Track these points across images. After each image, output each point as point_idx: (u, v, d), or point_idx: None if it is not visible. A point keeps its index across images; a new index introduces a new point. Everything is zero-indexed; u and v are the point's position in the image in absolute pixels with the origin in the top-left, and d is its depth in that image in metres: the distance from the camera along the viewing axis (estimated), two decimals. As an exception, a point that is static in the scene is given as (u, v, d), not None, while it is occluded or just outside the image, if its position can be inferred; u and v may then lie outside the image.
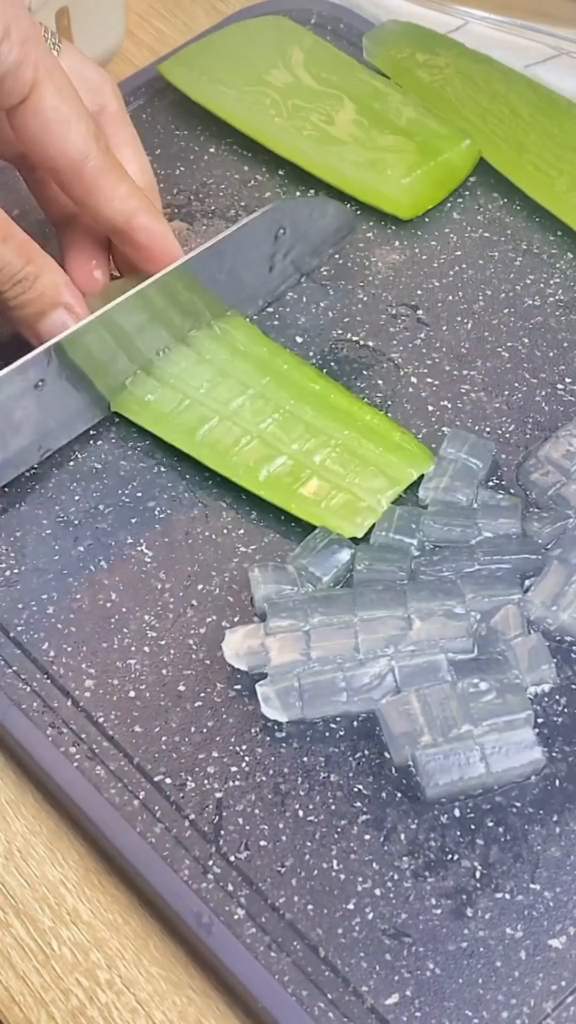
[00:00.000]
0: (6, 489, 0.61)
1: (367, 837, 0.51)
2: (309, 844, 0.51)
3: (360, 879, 0.51)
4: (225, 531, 0.59)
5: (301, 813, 0.52)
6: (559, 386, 0.63)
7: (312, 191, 0.71)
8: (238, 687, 0.55)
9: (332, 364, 0.65)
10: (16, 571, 0.58)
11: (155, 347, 0.62)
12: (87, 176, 0.59)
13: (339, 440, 0.60)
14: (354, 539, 0.58)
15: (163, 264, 0.61)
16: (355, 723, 0.54)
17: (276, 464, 0.60)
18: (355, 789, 0.53)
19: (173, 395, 0.62)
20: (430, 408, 0.63)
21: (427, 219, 0.70)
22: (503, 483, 0.60)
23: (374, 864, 0.51)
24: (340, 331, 0.66)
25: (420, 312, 0.66)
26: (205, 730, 0.54)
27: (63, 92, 0.57)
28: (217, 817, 0.52)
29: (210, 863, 0.51)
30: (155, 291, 0.60)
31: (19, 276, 0.57)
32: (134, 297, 0.59)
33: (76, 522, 0.60)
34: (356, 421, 0.61)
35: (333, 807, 0.52)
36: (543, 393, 0.63)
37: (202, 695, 0.55)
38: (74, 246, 0.63)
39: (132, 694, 0.55)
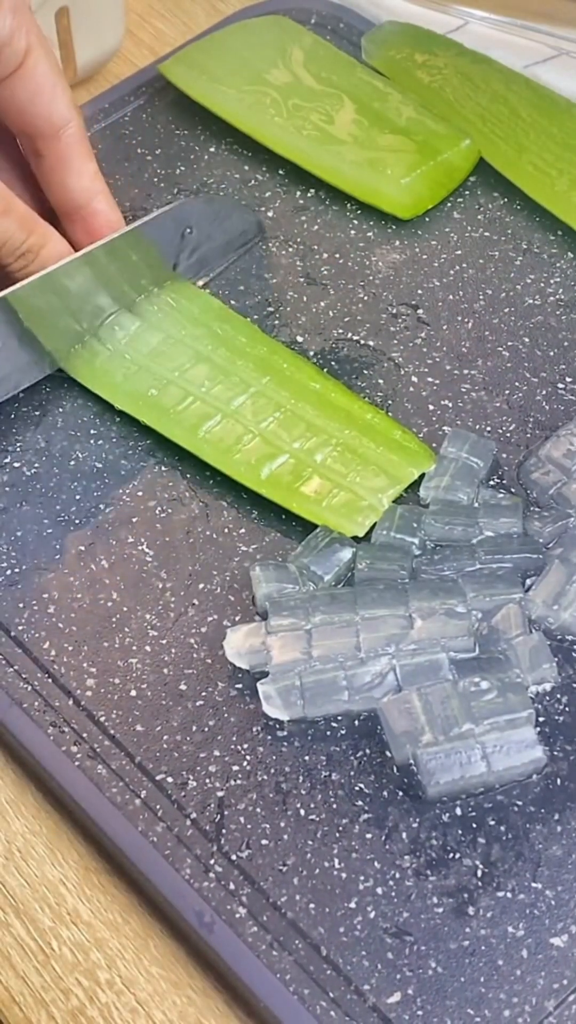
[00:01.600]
0: (6, 489, 0.61)
1: (369, 836, 0.51)
2: (311, 843, 0.51)
3: (362, 878, 0.51)
4: (226, 530, 0.59)
5: (303, 812, 0.52)
6: (560, 385, 0.63)
7: (312, 191, 0.71)
8: (239, 686, 0.55)
9: (332, 363, 0.65)
10: (17, 570, 0.58)
11: (100, 312, 0.63)
12: (63, 145, 0.59)
13: (340, 439, 0.60)
14: (355, 538, 0.58)
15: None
16: (356, 722, 0.54)
17: (277, 463, 0.60)
18: (356, 788, 0.52)
19: (121, 362, 0.63)
20: (431, 407, 0.63)
21: (427, 219, 0.70)
22: (504, 482, 0.60)
23: (376, 863, 0.51)
24: (340, 330, 0.66)
25: (420, 311, 0.66)
26: (206, 729, 0.54)
27: (51, 58, 0.58)
28: (219, 816, 0.52)
29: (212, 862, 0.51)
30: (87, 259, 0.61)
31: (22, 248, 0.57)
32: (75, 261, 0.60)
33: (77, 521, 0.60)
34: (357, 420, 0.61)
35: (335, 806, 0.52)
36: (544, 392, 0.63)
37: (203, 694, 0.55)
38: (85, 236, 0.63)
39: (133, 693, 0.55)
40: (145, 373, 0.63)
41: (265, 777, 0.53)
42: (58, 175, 0.60)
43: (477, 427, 0.62)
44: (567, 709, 0.54)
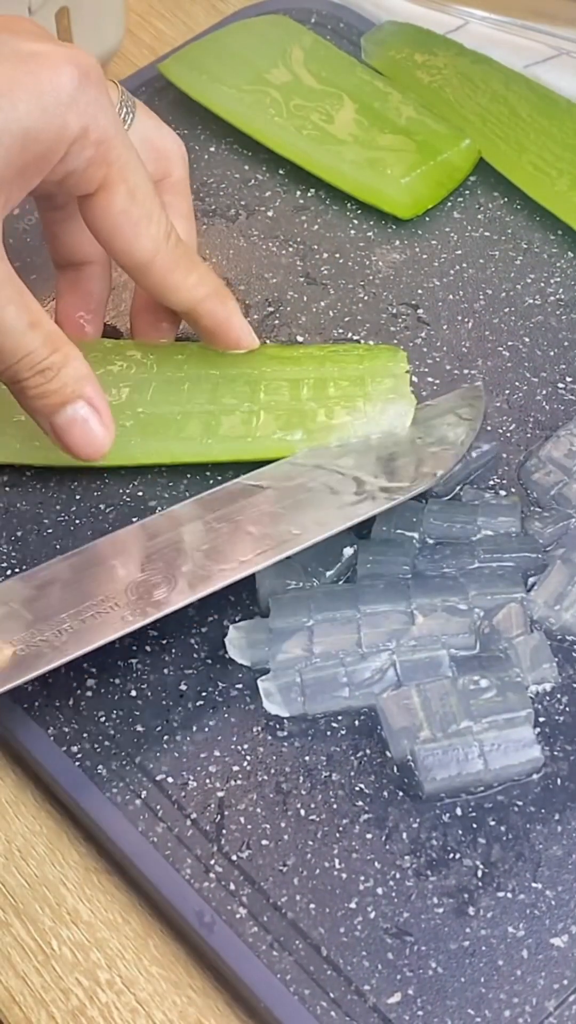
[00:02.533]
0: (7, 489, 0.61)
1: (369, 836, 0.51)
2: (311, 843, 0.51)
3: (362, 878, 0.51)
4: (226, 530, 0.59)
5: (303, 812, 0.52)
6: (560, 385, 0.63)
7: (312, 191, 0.71)
8: (239, 686, 0.55)
9: (333, 363, 0.64)
10: (17, 570, 0.58)
11: None
12: (155, 275, 0.57)
13: (328, 375, 0.60)
14: (357, 534, 0.58)
15: (227, 346, 0.60)
16: (356, 722, 0.54)
17: (296, 425, 0.59)
18: (357, 788, 0.52)
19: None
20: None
21: (427, 218, 0.70)
22: (504, 482, 0.60)
23: (376, 863, 0.51)
24: (341, 330, 0.66)
25: (421, 311, 0.66)
26: (207, 729, 0.54)
27: (136, 194, 0.55)
28: (219, 816, 0.52)
29: (212, 862, 0.51)
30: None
31: (43, 365, 0.54)
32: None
33: (77, 521, 0.60)
34: (320, 360, 0.61)
35: (335, 806, 0.52)
36: (544, 392, 0.63)
37: (203, 694, 0.55)
38: (73, 292, 0.62)
39: (133, 693, 0.55)
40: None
41: (265, 777, 0.53)
42: (157, 296, 0.59)
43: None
44: (567, 709, 0.54)
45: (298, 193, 0.71)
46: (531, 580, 0.57)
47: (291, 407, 0.60)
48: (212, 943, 0.49)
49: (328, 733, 0.54)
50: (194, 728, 0.54)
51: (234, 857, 0.51)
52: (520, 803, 0.52)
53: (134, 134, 0.60)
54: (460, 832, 0.51)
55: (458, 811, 0.52)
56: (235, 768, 0.53)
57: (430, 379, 0.64)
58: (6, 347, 0.53)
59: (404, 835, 0.51)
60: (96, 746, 0.54)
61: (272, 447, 0.59)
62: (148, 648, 0.56)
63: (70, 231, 0.60)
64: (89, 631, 0.53)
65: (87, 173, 0.53)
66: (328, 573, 0.57)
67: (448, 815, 0.52)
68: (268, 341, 0.65)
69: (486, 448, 0.60)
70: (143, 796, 0.52)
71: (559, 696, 0.54)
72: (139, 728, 0.54)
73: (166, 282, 0.57)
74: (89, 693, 0.55)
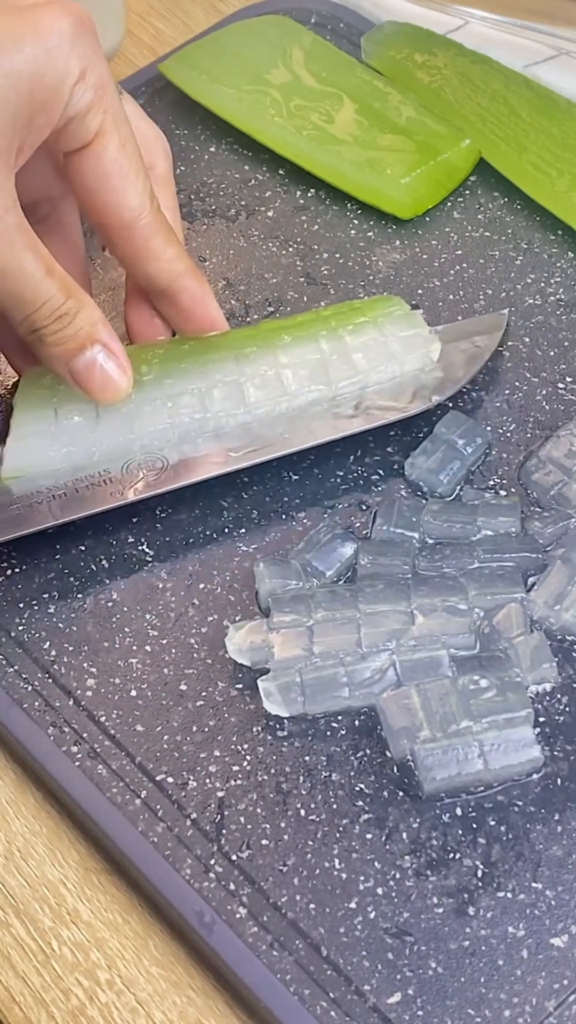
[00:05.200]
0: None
1: (369, 836, 0.51)
2: (311, 843, 0.51)
3: (362, 878, 0.51)
4: (226, 530, 0.59)
5: (303, 812, 0.52)
6: (560, 385, 0.63)
7: (312, 191, 0.71)
8: (240, 686, 0.55)
9: (333, 363, 0.64)
10: (17, 570, 0.58)
11: None
12: (137, 237, 0.58)
13: (340, 328, 0.62)
14: (356, 535, 0.58)
15: (202, 327, 0.61)
16: (356, 722, 0.54)
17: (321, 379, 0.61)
18: (357, 788, 0.52)
19: None
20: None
21: (427, 218, 0.70)
22: (503, 482, 0.60)
23: (376, 863, 0.51)
24: (341, 330, 0.66)
25: (421, 311, 0.66)
26: (207, 729, 0.54)
27: (127, 146, 0.56)
28: (219, 816, 0.52)
29: (212, 862, 0.51)
30: None
31: (60, 311, 0.55)
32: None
33: (77, 521, 0.60)
34: (326, 320, 0.62)
35: (335, 806, 0.52)
36: (544, 392, 0.63)
37: (204, 694, 0.55)
38: None
39: (134, 693, 0.55)
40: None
41: (265, 777, 0.53)
42: (136, 265, 0.59)
43: (470, 420, 0.62)
44: (567, 709, 0.54)
45: (298, 193, 0.71)
46: (531, 580, 0.57)
47: (315, 362, 0.61)
48: (212, 943, 0.49)
49: (328, 733, 0.54)
50: (194, 728, 0.54)
51: (234, 857, 0.51)
52: (520, 803, 0.52)
53: None
54: (460, 832, 0.51)
55: (458, 811, 0.52)
56: (235, 768, 0.53)
57: (430, 379, 0.64)
58: (27, 295, 0.54)
59: (404, 835, 0.51)
60: (96, 746, 0.54)
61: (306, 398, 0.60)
62: (148, 648, 0.56)
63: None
64: (82, 500, 0.58)
65: (86, 120, 0.54)
66: (328, 573, 0.57)
67: (448, 815, 0.52)
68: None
69: (480, 441, 0.60)
70: (143, 796, 0.52)
71: (559, 696, 0.54)
72: (139, 728, 0.54)
73: (148, 247, 0.58)
74: (89, 693, 0.55)
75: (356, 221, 0.70)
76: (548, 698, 0.54)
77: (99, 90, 0.54)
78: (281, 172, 0.72)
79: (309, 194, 0.71)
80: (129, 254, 0.59)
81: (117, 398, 0.57)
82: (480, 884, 0.50)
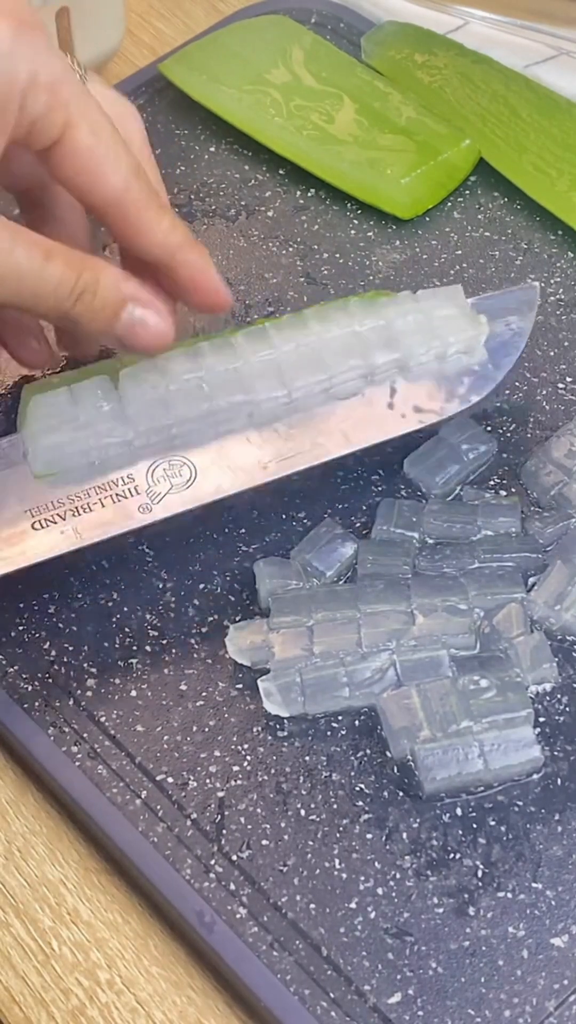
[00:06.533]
0: (6, 488, 0.61)
1: (369, 836, 0.51)
2: (311, 843, 0.51)
3: (362, 878, 0.51)
4: (226, 530, 0.59)
5: (303, 812, 0.52)
6: (560, 385, 0.63)
7: (312, 191, 0.71)
8: (240, 686, 0.55)
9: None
10: (17, 570, 0.58)
11: None
12: (129, 213, 0.56)
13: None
14: (356, 535, 0.58)
15: (206, 300, 0.59)
16: (356, 722, 0.54)
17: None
18: (357, 788, 0.52)
19: None
20: (431, 407, 0.63)
21: (427, 218, 0.70)
22: (503, 483, 0.60)
23: (376, 863, 0.51)
24: (341, 330, 0.66)
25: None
26: (207, 729, 0.54)
27: (99, 131, 0.55)
28: (219, 816, 0.52)
29: (212, 862, 0.51)
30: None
31: (79, 288, 0.54)
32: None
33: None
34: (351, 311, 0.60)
35: (335, 806, 0.52)
36: (544, 392, 0.63)
37: (204, 694, 0.55)
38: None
39: (134, 693, 0.55)
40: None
41: (265, 777, 0.53)
42: (133, 241, 0.57)
43: (478, 427, 0.62)
44: (567, 709, 0.54)
45: (298, 193, 0.71)
46: (531, 580, 0.57)
47: (350, 335, 0.59)
48: (212, 943, 0.49)
49: (328, 733, 0.54)
50: (194, 728, 0.54)
51: (234, 857, 0.51)
52: (520, 803, 0.52)
53: None
54: (460, 832, 0.51)
55: (458, 811, 0.52)
56: (235, 768, 0.53)
57: (430, 379, 0.64)
58: (35, 287, 0.53)
59: (404, 835, 0.51)
60: (96, 746, 0.54)
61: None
62: (148, 648, 0.56)
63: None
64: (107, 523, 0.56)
65: (49, 119, 0.53)
66: (328, 573, 0.57)
67: (448, 815, 0.52)
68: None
69: (483, 449, 0.60)
70: (143, 796, 0.52)
71: (559, 696, 0.54)
72: (139, 728, 0.54)
73: (141, 219, 0.57)
74: (89, 693, 0.55)
75: (356, 221, 0.70)
76: (548, 698, 0.54)
77: (55, 87, 0.53)
78: (281, 172, 0.72)
79: (309, 194, 0.71)
80: (124, 231, 0.57)
81: (166, 345, 0.56)
82: (480, 884, 0.50)
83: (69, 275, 0.54)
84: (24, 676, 0.55)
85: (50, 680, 0.55)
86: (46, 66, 0.53)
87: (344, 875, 0.51)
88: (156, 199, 0.57)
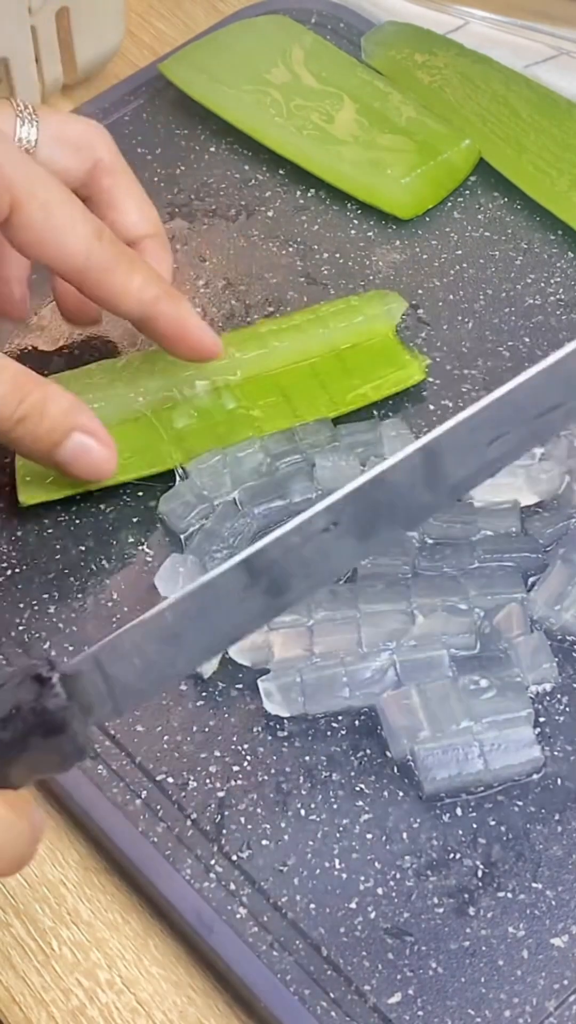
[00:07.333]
0: (7, 489, 0.61)
1: (369, 836, 0.51)
2: (311, 843, 0.51)
3: (362, 878, 0.51)
4: (226, 530, 0.59)
5: (303, 812, 0.52)
6: (560, 385, 0.63)
7: (312, 191, 0.71)
8: (239, 686, 0.55)
9: (333, 363, 0.64)
10: (17, 570, 0.58)
11: None
12: (95, 277, 0.56)
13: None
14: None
15: (192, 349, 0.59)
16: (356, 722, 0.54)
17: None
18: (357, 788, 0.52)
19: None
20: (431, 407, 0.63)
21: (427, 218, 0.70)
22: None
23: (376, 863, 0.51)
24: (341, 330, 0.66)
25: (421, 311, 0.66)
26: (207, 729, 0.54)
27: (48, 204, 0.54)
28: (219, 816, 0.52)
29: (212, 862, 0.51)
30: None
31: (20, 413, 0.53)
32: None
33: (78, 521, 0.60)
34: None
35: (335, 806, 0.52)
36: (544, 392, 0.63)
37: (204, 694, 0.55)
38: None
39: (133, 693, 0.55)
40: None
41: (266, 777, 0.53)
42: (106, 303, 0.57)
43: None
44: (567, 709, 0.54)
45: (298, 193, 0.71)
46: (531, 580, 0.57)
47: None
48: (212, 943, 0.49)
49: (328, 733, 0.54)
50: (194, 728, 0.54)
51: (234, 857, 0.51)
52: (520, 803, 0.52)
53: (45, 137, 0.59)
54: (460, 832, 0.51)
55: (458, 811, 0.52)
56: (235, 768, 0.53)
57: (431, 379, 0.64)
58: None
59: (404, 835, 0.51)
60: (96, 746, 0.54)
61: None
62: (148, 648, 0.56)
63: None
64: None
65: None
66: (328, 573, 0.57)
67: (448, 815, 0.52)
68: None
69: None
70: (143, 796, 0.52)
71: (559, 696, 0.54)
72: (139, 728, 0.54)
73: (111, 282, 0.56)
74: (89, 693, 0.55)
75: (356, 221, 0.70)
76: (548, 698, 0.54)
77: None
78: (281, 172, 0.72)
79: (309, 194, 0.71)
80: (95, 294, 0.57)
81: (106, 476, 0.57)
82: (480, 884, 0.50)
83: (11, 399, 0.53)
84: (24, 676, 0.55)
85: (50, 680, 0.55)
86: None
87: (344, 875, 0.51)
88: (123, 257, 0.56)
